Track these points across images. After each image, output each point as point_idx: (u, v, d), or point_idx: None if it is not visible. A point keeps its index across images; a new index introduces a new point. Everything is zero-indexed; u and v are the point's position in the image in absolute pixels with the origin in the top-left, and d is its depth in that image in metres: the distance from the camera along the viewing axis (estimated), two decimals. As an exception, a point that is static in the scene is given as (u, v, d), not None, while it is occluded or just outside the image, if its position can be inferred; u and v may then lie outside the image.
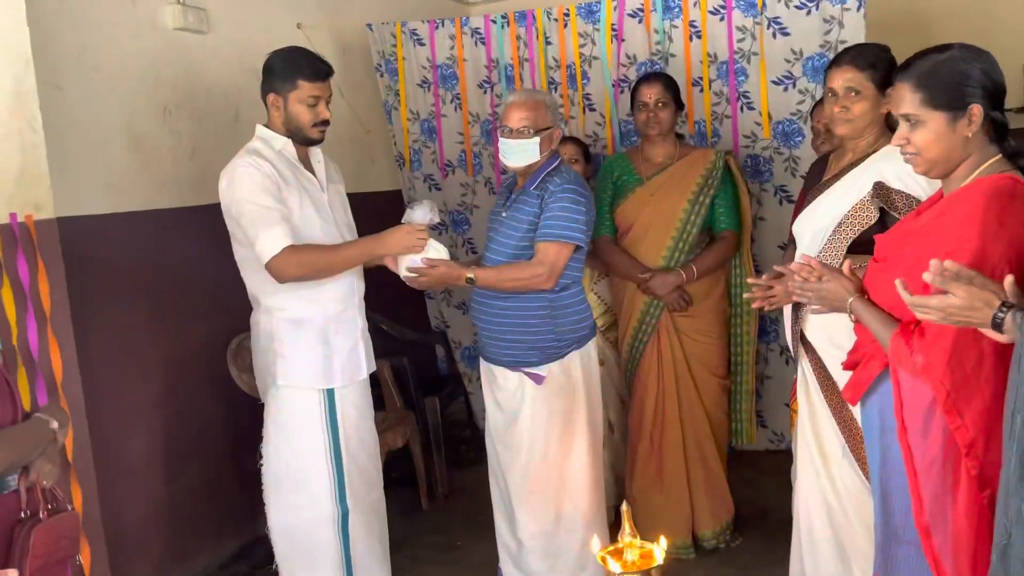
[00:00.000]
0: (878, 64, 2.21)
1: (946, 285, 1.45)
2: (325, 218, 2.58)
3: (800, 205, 2.54)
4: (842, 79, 2.24)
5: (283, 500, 2.58)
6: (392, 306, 3.74)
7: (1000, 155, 1.71)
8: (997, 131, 1.73)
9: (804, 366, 2.38)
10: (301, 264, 2.41)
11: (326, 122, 2.56)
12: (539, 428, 2.67)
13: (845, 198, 2.26)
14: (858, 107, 2.22)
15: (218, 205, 2.51)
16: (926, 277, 1.46)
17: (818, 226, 2.32)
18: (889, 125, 2.24)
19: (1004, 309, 1.44)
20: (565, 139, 3.21)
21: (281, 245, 2.37)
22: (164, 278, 3.03)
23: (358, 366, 2.64)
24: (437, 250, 2.54)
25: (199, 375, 3.18)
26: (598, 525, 2.75)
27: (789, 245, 3.12)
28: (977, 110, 1.68)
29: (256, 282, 2.54)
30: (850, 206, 2.23)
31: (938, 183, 1.97)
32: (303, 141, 2.56)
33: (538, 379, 2.65)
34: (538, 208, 2.59)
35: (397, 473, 3.72)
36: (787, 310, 2.47)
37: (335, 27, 3.98)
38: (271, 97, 2.52)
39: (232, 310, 3.24)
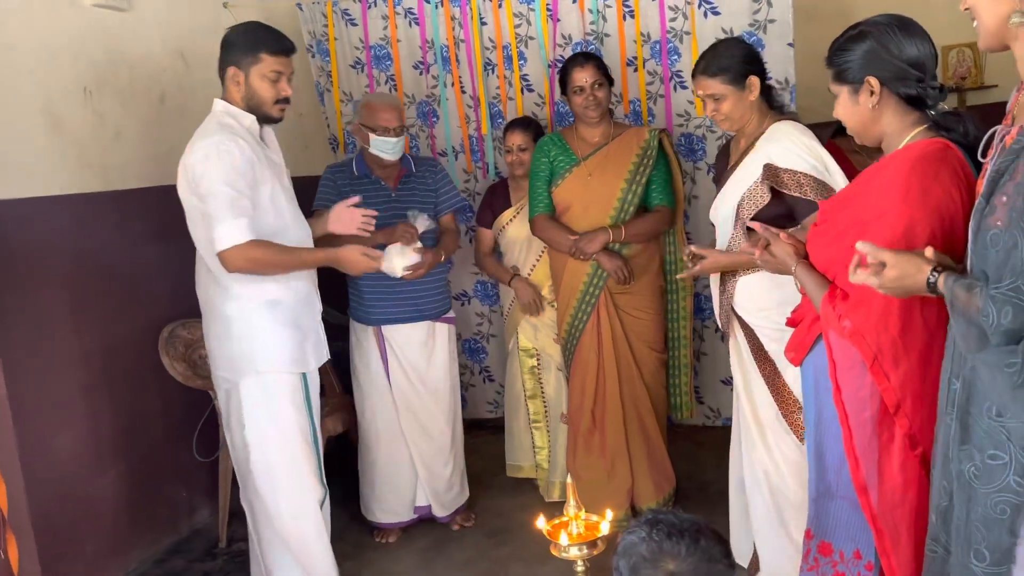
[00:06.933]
0: (730, 65, 2.37)
1: (878, 256, 1.49)
2: (291, 199, 2.56)
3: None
4: (701, 89, 2.42)
5: (275, 488, 2.51)
6: (325, 291, 3.67)
7: (930, 123, 1.72)
8: (913, 102, 1.72)
9: (738, 337, 2.43)
10: (254, 260, 2.35)
11: (287, 99, 2.49)
12: (454, 363, 3.24)
13: (742, 182, 2.40)
14: (724, 107, 2.40)
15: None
16: (860, 246, 1.51)
17: (726, 212, 2.47)
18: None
19: (936, 272, 1.47)
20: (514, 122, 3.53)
21: (245, 237, 2.31)
22: (89, 265, 2.92)
23: (323, 347, 2.66)
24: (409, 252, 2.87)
25: (128, 365, 3.07)
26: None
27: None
28: (873, 82, 1.71)
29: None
30: (746, 188, 2.38)
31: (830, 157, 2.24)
32: (263, 119, 2.49)
33: (454, 320, 3.28)
34: (432, 184, 3.18)
35: (338, 461, 3.67)
36: (715, 285, 2.53)
37: (263, 6, 3.87)
38: (231, 71, 2.43)
39: (161, 298, 3.14)
